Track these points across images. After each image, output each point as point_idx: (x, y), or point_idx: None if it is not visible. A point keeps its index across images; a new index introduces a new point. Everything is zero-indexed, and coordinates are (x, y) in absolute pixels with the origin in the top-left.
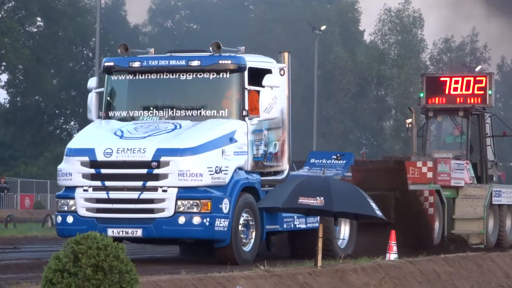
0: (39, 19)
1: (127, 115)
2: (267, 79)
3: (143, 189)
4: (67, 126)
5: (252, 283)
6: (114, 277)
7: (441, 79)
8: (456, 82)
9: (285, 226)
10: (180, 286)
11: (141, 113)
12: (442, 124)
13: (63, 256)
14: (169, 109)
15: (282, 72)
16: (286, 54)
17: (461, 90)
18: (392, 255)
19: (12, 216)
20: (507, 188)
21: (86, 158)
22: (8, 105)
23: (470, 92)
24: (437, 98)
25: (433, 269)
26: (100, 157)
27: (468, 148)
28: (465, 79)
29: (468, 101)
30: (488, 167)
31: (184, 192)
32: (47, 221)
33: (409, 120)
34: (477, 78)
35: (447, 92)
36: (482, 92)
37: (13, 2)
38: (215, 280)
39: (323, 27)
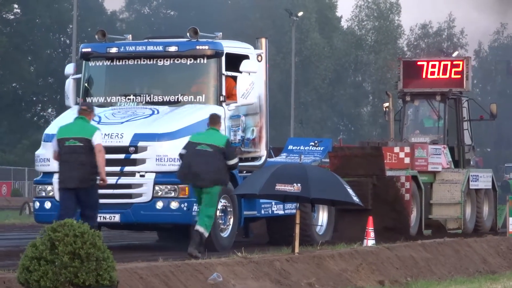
0: (16, 6)
1: (105, 101)
2: (244, 65)
3: (121, 174)
4: (45, 113)
5: (230, 270)
6: (91, 265)
7: (418, 63)
8: (433, 66)
9: (263, 212)
10: (157, 273)
11: (118, 99)
12: (419, 108)
13: (39, 244)
14: (147, 95)
15: (259, 58)
16: (263, 40)
17: (438, 74)
18: (370, 241)
19: None
20: (484, 173)
21: None
22: None
23: (447, 76)
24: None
25: (410, 254)
26: None
27: (446, 132)
28: (442, 63)
29: (445, 85)
30: (465, 151)
31: (162, 177)
32: (25, 208)
33: (386, 104)
34: (454, 62)
35: (424, 76)
36: (459, 76)
37: None
38: (192, 267)
39: (300, 13)
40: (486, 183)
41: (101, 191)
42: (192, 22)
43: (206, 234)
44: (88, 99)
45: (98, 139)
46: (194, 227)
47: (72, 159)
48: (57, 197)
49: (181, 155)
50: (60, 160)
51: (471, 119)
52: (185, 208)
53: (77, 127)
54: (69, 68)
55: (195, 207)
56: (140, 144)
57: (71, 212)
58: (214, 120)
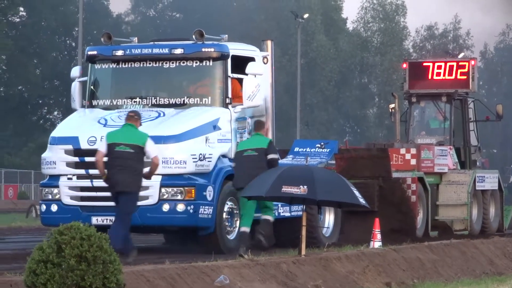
0: (21, 9)
1: (111, 103)
2: (250, 67)
3: None
4: (51, 116)
5: (236, 272)
6: (98, 267)
7: (424, 64)
8: (439, 67)
9: None
10: (164, 275)
11: (124, 101)
12: (425, 109)
13: (46, 247)
14: (153, 97)
15: (265, 60)
16: (269, 42)
17: (444, 75)
18: (376, 243)
19: None
20: (491, 173)
21: (70, 147)
22: None
23: (453, 77)
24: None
25: (417, 256)
26: (84, 145)
27: (452, 133)
28: (448, 64)
29: (451, 86)
30: (471, 152)
31: (168, 180)
32: (31, 211)
33: (392, 105)
34: (460, 63)
35: (430, 77)
36: (465, 77)
37: None
38: (199, 270)
39: (305, 15)
40: (493, 184)
41: (107, 194)
42: (198, 24)
43: (272, 219)
44: (94, 102)
45: (154, 151)
46: (266, 220)
47: (120, 164)
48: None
49: (233, 168)
50: (109, 165)
51: (477, 120)
52: (191, 211)
53: (128, 134)
54: (75, 71)
55: (201, 209)
56: None
57: None
58: (258, 125)
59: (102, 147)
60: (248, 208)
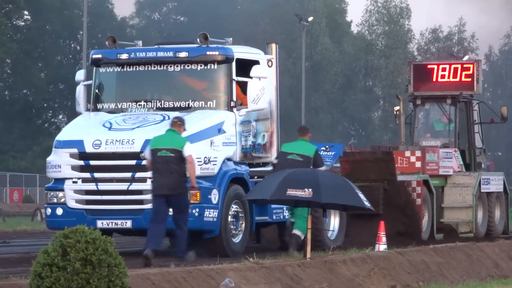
0: (26, 12)
1: (116, 107)
2: (255, 70)
3: (132, 180)
4: (56, 120)
5: (241, 275)
6: (103, 271)
7: (429, 66)
8: (444, 69)
9: (274, 217)
10: (169, 279)
11: (129, 105)
12: (430, 111)
13: (51, 250)
14: (157, 101)
15: (270, 63)
16: (273, 45)
17: (449, 77)
18: (382, 246)
19: (1, 210)
20: (496, 176)
21: (75, 150)
22: None
23: (458, 79)
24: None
25: (422, 259)
26: (89, 148)
27: (456, 135)
28: (453, 66)
29: (455, 89)
30: (476, 154)
31: None
32: (37, 214)
33: (397, 108)
34: (465, 66)
35: (434, 79)
36: (470, 79)
37: None
38: (204, 273)
39: (310, 18)
40: (498, 186)
41: (113, 197)
42: (202, 28)
43: (302, 237)
44: (99, 105)
45: (189, 151)
46: (291, 231)
47: (163, 168)
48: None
49: (273, 164)
50: (152, 169)
51: (482, 122)
52: (196, 214)
53: (169, 139)
54: (80, 75)
55: (206, 213)
56: None
57: (162, 216)
58: (303, 131)
59: (147, 153)
60: (300, 210)
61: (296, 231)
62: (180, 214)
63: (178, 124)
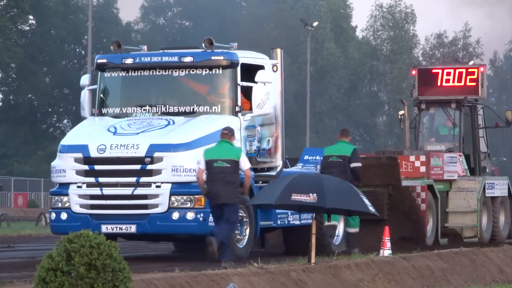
0: (31, 17)
1: (120, 111)
2: (259, 75)
3: (137, 185)
4: (60, 124)
5: (246, 280)
6: (107, 276)
7: (433, 71)
8: (448, 74)
9: (279, 222)
10: (174, 284)
11: (134, 109)
12: (434, 116)
13: (56, 255)
14: (162, 105)
15: (274, 68)
16: (278, 50)
17: (453, 82)
18: (386, 251)
19: (6, 215)
20: (500, 180)
21: (79, 155)
22: (0, 104)
23: (462, 84)
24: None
25: (427, 264)
26: (93, 153)
27: (461, 140)
28: (457, 71)
29: (460, 93)
30: (481, 158)
31: (178, 188)
32: (41, 219)
33: (401, 112)
34: (469, 70)
35: (439, 84)
36: (474, 83)
37: (5, 1)
38: (208, 278)
39: (315, 23)
40: (502, 191)
41: (117, 202)
42: (207, 32)
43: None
44: (104, 110)
45: (246, 164)
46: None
47: (219, 178)
48: (72, 209)
49: (319, 169)
50: (208, 179)
51: (487, 127)
52: (201, 219)
53: (224, 150)
54: (85, 79)
55: (211, 218)
56: (156, 154)
57: (224, 219)
58: (344, 133)
59: (201, 164)
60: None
61: (351, 229)
62: (227, 222)
63: (229, 135)
